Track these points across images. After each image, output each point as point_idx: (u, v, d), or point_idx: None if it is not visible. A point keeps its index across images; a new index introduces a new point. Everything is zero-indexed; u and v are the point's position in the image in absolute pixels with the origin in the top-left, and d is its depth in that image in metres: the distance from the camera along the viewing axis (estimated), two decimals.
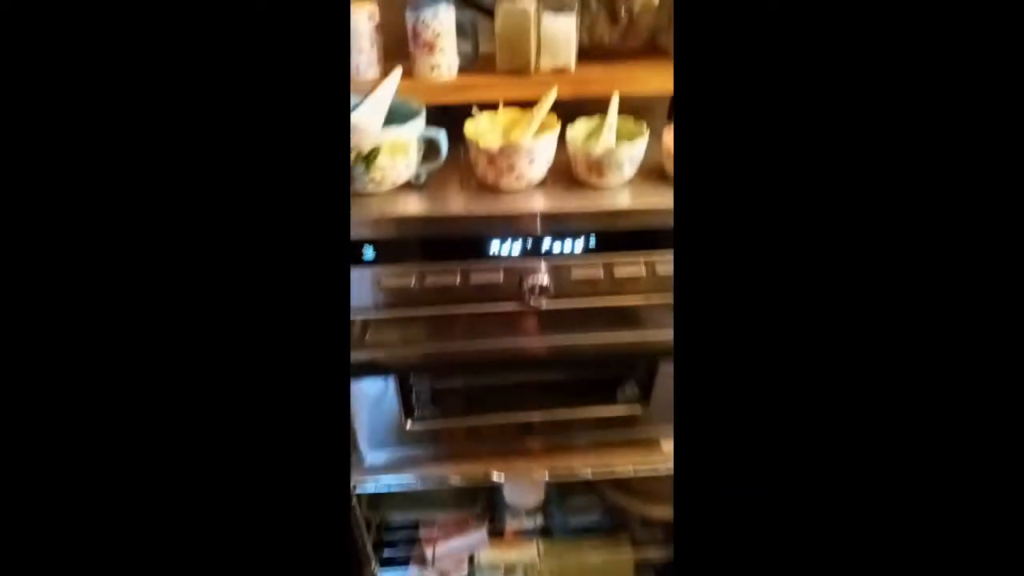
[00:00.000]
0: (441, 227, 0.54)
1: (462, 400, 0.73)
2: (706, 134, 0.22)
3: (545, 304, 0.57)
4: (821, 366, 0.22)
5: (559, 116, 0.58)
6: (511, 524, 0.91)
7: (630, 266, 0.57)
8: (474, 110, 0.58)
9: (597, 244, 0.56)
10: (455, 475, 0.71)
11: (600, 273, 0.57)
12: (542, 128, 0.57)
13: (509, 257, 0.55)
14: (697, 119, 0.22)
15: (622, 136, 0.58)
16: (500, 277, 0.56)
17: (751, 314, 0.22)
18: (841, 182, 0.21)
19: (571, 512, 0.92)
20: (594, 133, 0.60)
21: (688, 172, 0.23)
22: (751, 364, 0.23)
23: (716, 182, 0.22)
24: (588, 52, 0.67)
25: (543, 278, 0.56)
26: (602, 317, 0.60)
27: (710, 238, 0.23)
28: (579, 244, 0.56)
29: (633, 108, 0.59)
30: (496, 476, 0.71)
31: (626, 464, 0.72)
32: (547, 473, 0.72)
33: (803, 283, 0.22)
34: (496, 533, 0.90)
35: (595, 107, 0.60)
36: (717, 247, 0.23)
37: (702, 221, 0.23)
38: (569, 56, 0.64)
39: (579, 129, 0.60)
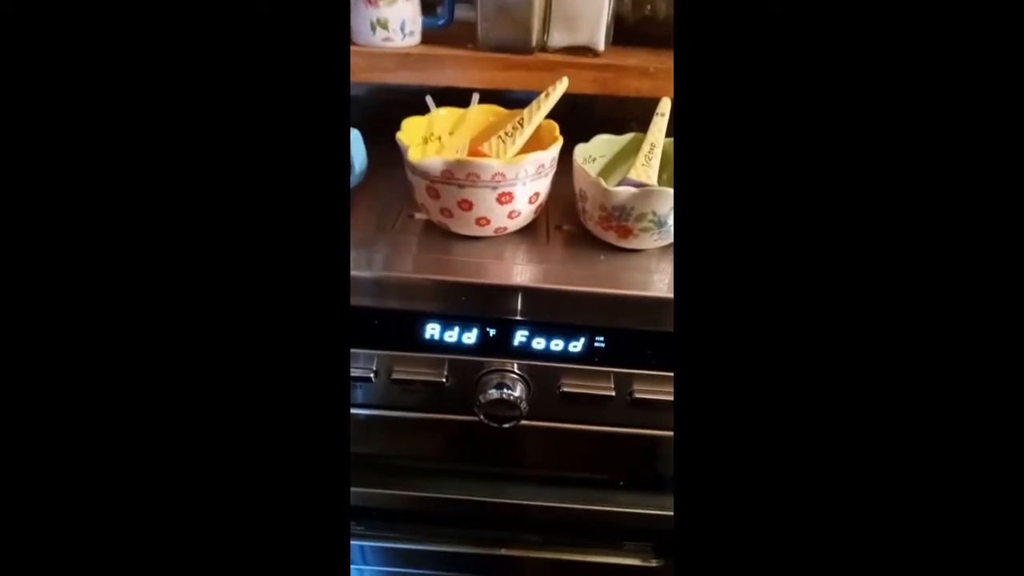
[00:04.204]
0: (353, 293, 0.43)
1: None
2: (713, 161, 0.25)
3: (514, 424, 0.46)
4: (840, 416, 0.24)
5: (567, 126, 0.47)
6: None
7: (661, 384, 0.45)
8: (429, 100, 0.48)
9: (609, 346, 0.43)
10: None
11: (611, 390, 0.45)
12: (533, 142, 0.46)
13: (459, 347, 0.44)
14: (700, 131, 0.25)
15: (670, 169, 0.49)
16: (444, 378, 0.45)
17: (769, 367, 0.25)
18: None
19: None
20: (622, 159, 0.51)
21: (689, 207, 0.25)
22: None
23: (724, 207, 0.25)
24: (629, 30, 0.57)
25: (513, 388, 0.44)
26: (608, 461, 0.50)
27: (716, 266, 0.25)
28: (579, 343, 0.43)
29: None
30: None
31: None
32: None
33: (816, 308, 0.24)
34: None
35: (630, 116, 0.53)
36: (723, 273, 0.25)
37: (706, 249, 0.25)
38: (596, 30, 0.53)
39: (597, 150, 0.50)
